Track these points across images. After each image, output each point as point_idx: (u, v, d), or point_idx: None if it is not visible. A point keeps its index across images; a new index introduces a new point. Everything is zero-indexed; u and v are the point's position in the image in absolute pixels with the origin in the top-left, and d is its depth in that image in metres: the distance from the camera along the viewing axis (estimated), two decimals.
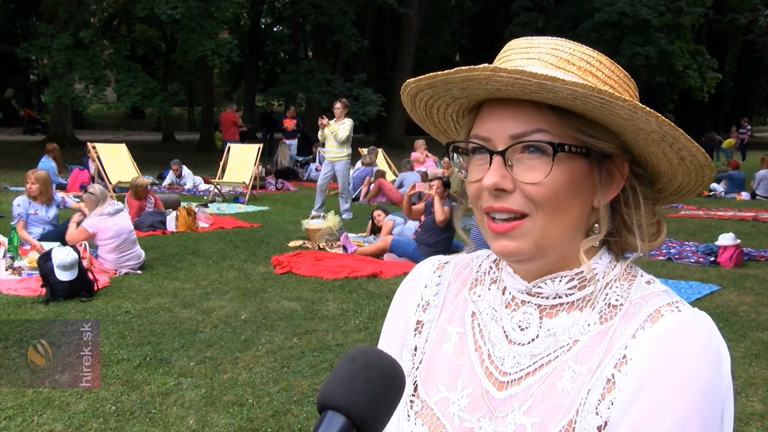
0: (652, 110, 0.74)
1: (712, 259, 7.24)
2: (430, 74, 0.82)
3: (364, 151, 14.99)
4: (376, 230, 8.48)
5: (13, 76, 31.21)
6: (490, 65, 0.76)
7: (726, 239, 7.18)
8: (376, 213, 8.58)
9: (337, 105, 10.38)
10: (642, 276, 0.87)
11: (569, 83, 0.73)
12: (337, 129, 10.13)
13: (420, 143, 15.58)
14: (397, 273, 6.44)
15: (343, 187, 10.61)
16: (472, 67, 0.77)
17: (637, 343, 0.79)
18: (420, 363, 0.94)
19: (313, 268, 6.63)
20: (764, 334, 4.77)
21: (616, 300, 0.84)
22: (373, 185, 12.97)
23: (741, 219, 10.90)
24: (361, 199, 12.87)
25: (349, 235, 8.22)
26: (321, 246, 7.69)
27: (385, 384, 0.68)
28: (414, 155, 14.67)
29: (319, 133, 10.41)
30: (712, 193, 15.04)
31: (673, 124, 0.76)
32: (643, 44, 25.74)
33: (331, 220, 8.07)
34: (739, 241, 7.24)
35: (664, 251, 7.86)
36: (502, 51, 0.87)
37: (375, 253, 7.39)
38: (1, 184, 13.89)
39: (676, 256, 7.58)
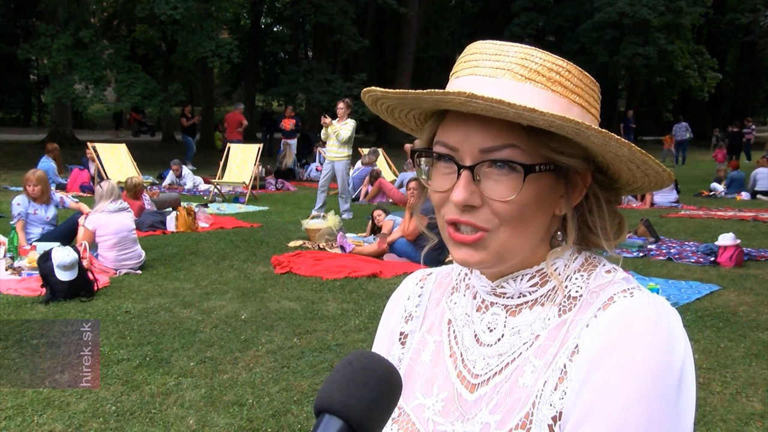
0: (624, 140, 0.76)
1: (712, 259, 7.24)
2: (401, 91, 0.81)
3: (365, 151, 14.98)
4: (376, 230, 8.47)
5: (13, 76, 31.22)
6: (466, 91, 0.74)
7: (726, 239, 7.17)
8: (376, 213, 8.57)
9: (341, 105, 10.29)
10: (603, 265, 0.88)
11: (547, 115, 0.73)
12: (340, 129, 10.10)
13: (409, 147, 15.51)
14: (397, 273, 6.43)
15: (343, 187, 10.58)
16: (446, 91, 0.76)
17: (589, 331, 0.79)
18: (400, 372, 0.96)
19: (313, 268, 6.63)
20: (764, 334, 4.76)
21: (576, 292, 0.85)
22: (372, 186, 12.96)
23: (741, 219, 10.88)
24: (361, 199, 12.86)
25: (350, 235, 8.21)
26: (321, 246, 7.68)
27: (382, 388, 0.68)
28: None
29: (322, 131, 10.36)
30: (712, 193, 15.01)
31: (643, 151, 0.78)
32: (643, 44, 25.77)
33: (331, 220, 8.06)
34: (739, 241, 7.23)
35: (664, 251, 7.86)
36: (468, 51, 0.85)
37: (374, 254, 7.39)
38: (1, 184, 13.90)
39: (676, 256, 7.57)
